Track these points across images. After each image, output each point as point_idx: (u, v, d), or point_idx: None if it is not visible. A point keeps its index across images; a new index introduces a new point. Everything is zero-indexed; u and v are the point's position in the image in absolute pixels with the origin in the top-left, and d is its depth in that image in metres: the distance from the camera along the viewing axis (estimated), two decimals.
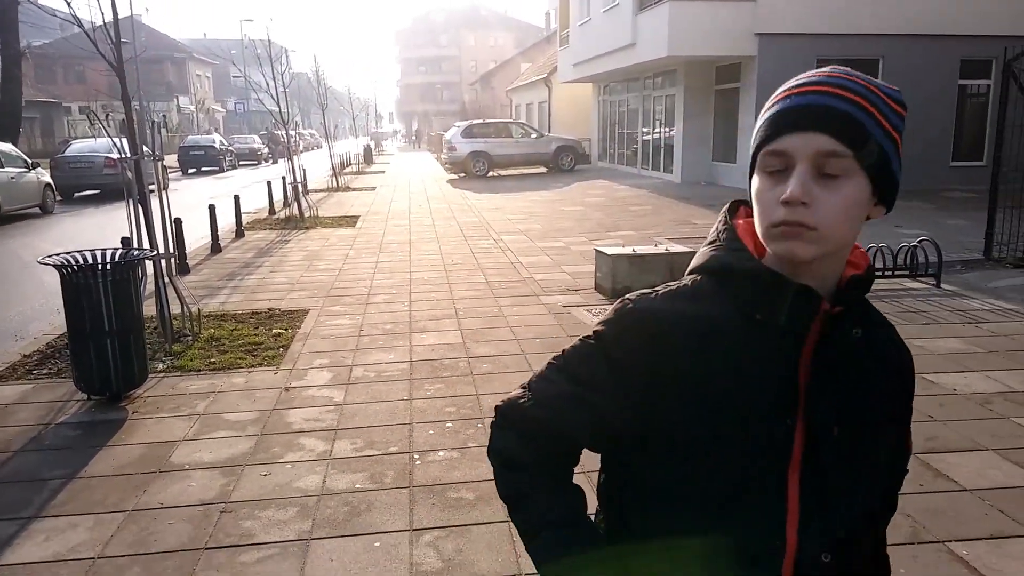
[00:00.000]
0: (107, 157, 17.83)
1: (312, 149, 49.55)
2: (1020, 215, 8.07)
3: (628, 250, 7.23)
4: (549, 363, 1.12)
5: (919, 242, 7.41)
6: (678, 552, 1.00)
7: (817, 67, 0.98)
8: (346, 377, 5.03)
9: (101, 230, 12.55)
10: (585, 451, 1.12)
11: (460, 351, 5.56)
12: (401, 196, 18.42)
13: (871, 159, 0.91)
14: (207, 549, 3.00)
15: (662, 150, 21.10)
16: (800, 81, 0.95)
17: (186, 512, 3.29)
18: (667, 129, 20.65)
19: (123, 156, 5.58)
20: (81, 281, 4.46)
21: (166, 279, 5.76)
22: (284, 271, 8.91)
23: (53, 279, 5.13)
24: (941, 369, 4.95)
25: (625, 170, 23.91)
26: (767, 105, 0.98)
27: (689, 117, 19.11)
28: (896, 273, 7.32)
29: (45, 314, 7.18)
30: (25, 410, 4.55)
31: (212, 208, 10.67)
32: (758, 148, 0.96)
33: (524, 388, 1.12)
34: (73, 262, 4.45)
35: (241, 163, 34.86)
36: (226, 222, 11.80)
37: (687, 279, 1.06)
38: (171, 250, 6.08)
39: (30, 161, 16.15)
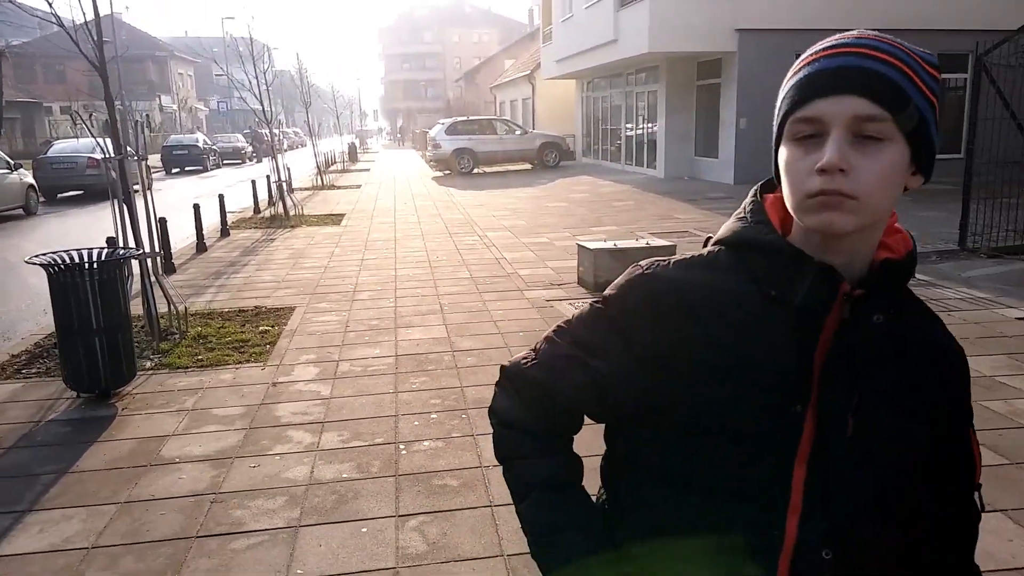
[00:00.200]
0: (90, 157, 17.78)
1: (296, 147, 49.34)
2: (994, 206, 8.25)
3: (610, 244, 7.35)
4: (557, 326, 1.10)
5: None
6: (667, 534, 0.99)
7: None
8: (332, 372, 5.11)
9: (86, 230, 12.55)
10: (590, 445, 1.11)
11: (445, 345, 5.66)
12: (386, 194, 18.47)
13: (911, 124, 0.84)
14: (198, 537, 3.08)
15: (645, 146, 21.27)
16: (829, 44, 0.88)
17: (177, 503, 3.37)
18: (650, 125, 20.80)
19: (107, 156, 5.63)
20: (68, 280, 4.51)
21: (152, 278, 5.82)
22: (270, 269, 8.97)
23: (39, 280, 5.17)
24: None
25: (609, 166, 24.08)
26: (792, 71, 0.91)
27: (671, 112, 19.30)
28: None
29: (32, 315, 7.21)
30: (15, 408, 4.61)
31: (197, 207, 10.69)
32: (785, 116, 0.89)
33: (532, 350, 1.11)
34: (60, 261, 4.51)
35: (225, 162, 34.73)
36: (211, 221, 11.80)
37: (705, 250, 1.02)
38: (156, 249, 6.13)
39: (12, 162, 16.06)
